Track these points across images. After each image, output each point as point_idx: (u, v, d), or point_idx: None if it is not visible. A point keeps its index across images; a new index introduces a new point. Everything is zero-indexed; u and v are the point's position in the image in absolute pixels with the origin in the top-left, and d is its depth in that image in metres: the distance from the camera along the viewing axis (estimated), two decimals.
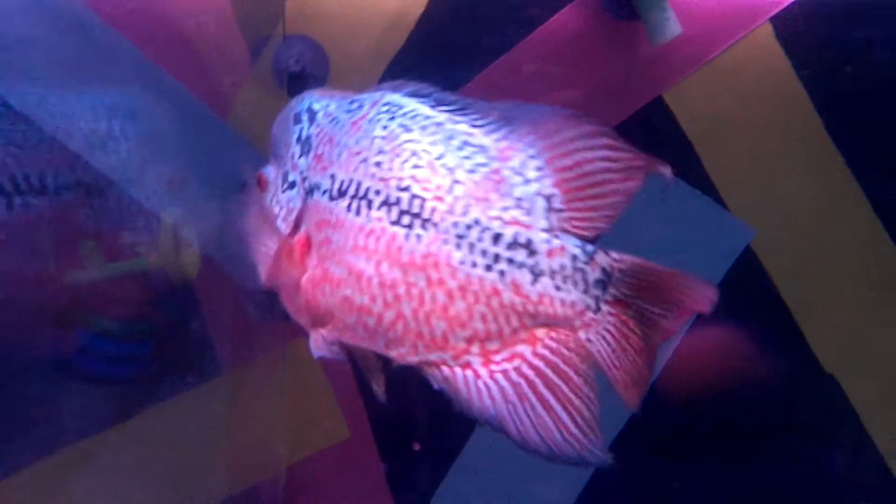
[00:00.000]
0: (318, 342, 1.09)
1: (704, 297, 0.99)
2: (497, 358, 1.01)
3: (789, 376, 1.81)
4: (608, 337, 1.00)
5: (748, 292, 1.79)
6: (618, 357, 1.00)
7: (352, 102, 1.09)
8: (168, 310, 1.77)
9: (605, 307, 1.00)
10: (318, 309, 1.07)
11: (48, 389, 1.65)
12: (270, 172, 1.15)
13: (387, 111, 1.05)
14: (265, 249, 1.12)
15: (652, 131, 1.77)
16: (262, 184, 1.15)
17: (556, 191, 1.00)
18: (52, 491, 1.68)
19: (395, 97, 1.06)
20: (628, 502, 1.87)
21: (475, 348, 1.00)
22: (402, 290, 1.01)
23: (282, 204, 1.12)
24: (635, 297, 1.00)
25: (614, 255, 1.00)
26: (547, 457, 0.98)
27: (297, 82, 1.73)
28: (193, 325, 1.86)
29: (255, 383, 1.91)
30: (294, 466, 1.89)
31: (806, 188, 1.76)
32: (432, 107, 1.04)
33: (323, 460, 1.90)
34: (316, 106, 1.11)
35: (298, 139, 1.11)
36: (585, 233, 1.00)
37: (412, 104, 1.05)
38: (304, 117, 1.12)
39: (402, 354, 1.02)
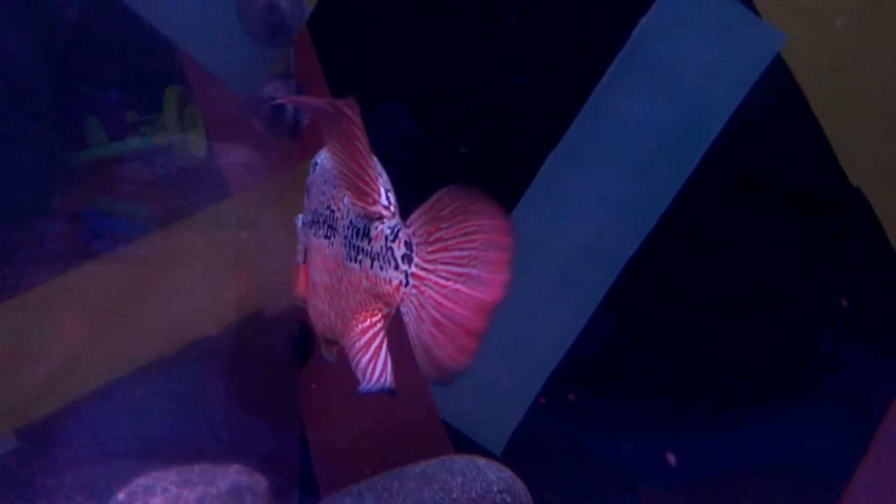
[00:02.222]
0: (323, 348, 1.29)
1: (493, 224, 1.03)
2: (369, 331, 1.11)
3: (814, 189, 1.78)
4: (413, 308, 1.08)
5: (777, 102, 1.72)
6: (417, 328, 1.07)
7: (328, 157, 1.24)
8: None
9: (412, 280, 1.08)
10: (311, 313, 1.26)
11: None
12: (299, 218, 1.33)
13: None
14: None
15: None
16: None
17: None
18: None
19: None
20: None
21: (359, 324, 1.11)
22: (334, 292, 1.19)
23: (300, 240, 1.31)
24: (434, 256, 1.07)
25: (411, 221, 1.08)
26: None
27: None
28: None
29: (265, 205, 1.88)
30: None
31: None
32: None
33: None
34: (316, 159, 1.28)
35: (307, 186, 1.29)
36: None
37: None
38: (310, 170, 1.28)
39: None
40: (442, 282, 1.05)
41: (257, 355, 1.94)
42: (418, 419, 1.96)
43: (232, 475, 1.67)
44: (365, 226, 1.11)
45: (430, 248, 1.06)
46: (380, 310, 1.10)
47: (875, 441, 1.80)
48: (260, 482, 1.68)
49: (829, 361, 1.84)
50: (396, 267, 1.08)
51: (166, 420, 1.90)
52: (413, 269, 1.07)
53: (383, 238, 1.09)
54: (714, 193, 1.83)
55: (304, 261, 1.29)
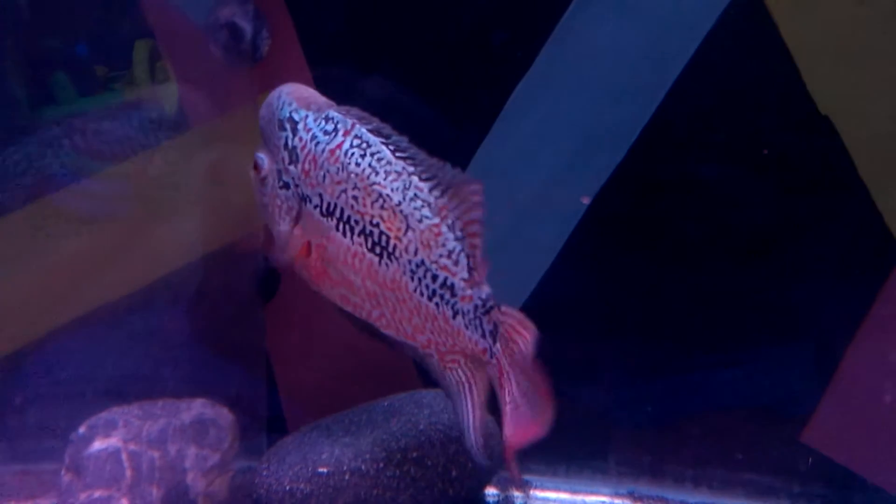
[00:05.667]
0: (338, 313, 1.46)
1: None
2: (447, 357, 1.36)
3: (784, 118, 1.76)
4: (496, 380, 1.34)
5: (747, 28, 1.70)
6: (504, 400, 1.34)
7: (326, 122, 1.34)
8: None
9: (493, 359, 1.33)
10: (320, 289, 1.41)
11: None
12: (265, 161, 1.39)
13: (358, 146, 1.32)
14: (276, 228, 1.41)
15: None
16: (257, 168, 1.40)
17: (472, 251, 1.31)
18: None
19: (364, 132, 1.33)
20: None
21: (433, 345, 1.36)
22: (381, 299, 1.35)
23: (281, 199, 1.38)
24: (516, 354, 1.32)
25: (504, 310, 1.32)
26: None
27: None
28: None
29: (227, 136, 1.84)
30: None
31: None
32: (392, 151, 1.32)
33: None
34: (296, 117, 1.35)
35: (286, 146, 1.36)
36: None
37: (377, 144, 1.32)
38: (287, 126, 1.36)
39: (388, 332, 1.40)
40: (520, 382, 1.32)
41: (221, 292, 1.91)
42: (387, 357, 1.95)
43: (196, 408, 1.65)
44: (446, 278, 1.30)
45: (508, 351, 1.31)
46: (465, 357, 1.35)
47: (836, 374, 1.82)
48: (225, 415, 1.66)
49: (798, 296, 1.84)
50: (483, 335, 1.32)
51: (129, 360, 1.88)
52: (496, 350, 1.32)
53: (472, 306, 1.31)
54: (683, 122, 1.81)
55: (294, 226, 1.38)
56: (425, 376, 1.93)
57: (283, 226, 1.38)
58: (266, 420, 1.97)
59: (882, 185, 1.75)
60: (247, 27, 1.75)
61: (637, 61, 1.77)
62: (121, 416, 1.60)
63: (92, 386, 1.84)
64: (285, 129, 1.35)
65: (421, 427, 1.67)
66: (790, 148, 1.78)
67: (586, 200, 1.82)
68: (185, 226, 1.88)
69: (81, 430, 1.60)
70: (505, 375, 1.32)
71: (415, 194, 1.30)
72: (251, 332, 1.94)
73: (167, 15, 1.77)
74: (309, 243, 1.37)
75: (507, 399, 1.32)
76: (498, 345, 1.31)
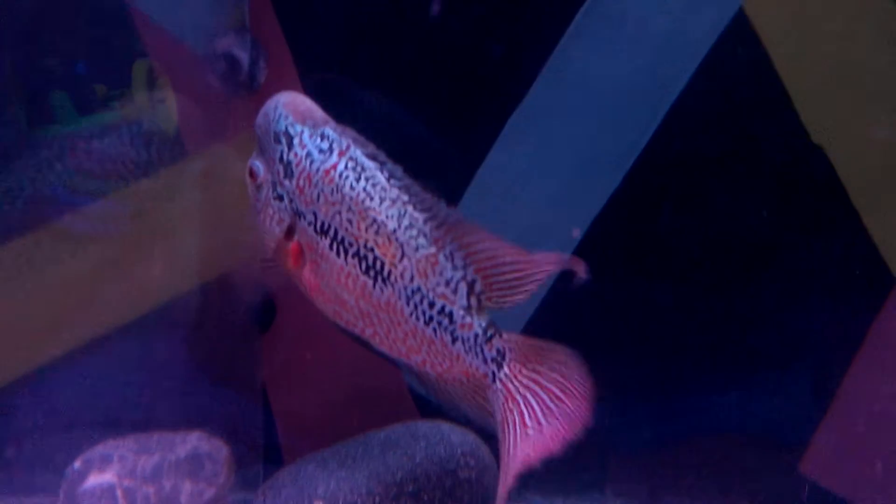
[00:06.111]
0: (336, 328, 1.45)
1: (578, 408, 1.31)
2: (445, 375, 1.36)
3: (777, 147, 1.77)
4: (498, 404, 1.32)
5: (740, 58, 1.72)
6: (503, 427, 1.31)
7: (322, 139, 1.34)
8: None
9: (499, 384, 1.31)
10: (314, 301, 1.41)
11: None
12: (260, 168, 1.39)
13: (353, 168, 1.32)
14: (267, 237, 1.41)
15: None
16: (253, 176, 1.40)
17: (477, 277, 1.30)
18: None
19: (359, 155, 1.33)
20: None
21: (429, 365, 1.35)
22: (374, 319, 1.35)
23: (274, 209, 1.38)
24: (528, 380, 1.30)
25: (506, 336, 1.31)
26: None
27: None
28: None
29: (225, 165, 1.85)
30: None
31: None
32: (387, 178, 1.32)
33: None
34: (291, 132, 1.35)
35: (281, 159, 1.35)
36: (504, 306, 1.32)
37: (371, 169, 1.32)
38: (283, 140, 1.35)
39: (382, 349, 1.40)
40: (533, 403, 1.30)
41: (218, 322, 1.91)
42: (384, 386, 1.95)
43: (191, 442, 1.64)
44: (444, 305, 1.30)
45: (524, 370, 1.30)
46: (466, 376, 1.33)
47: (833, 404, 1.82)
48: (220, 449, 1.65)
49: (793, 323, 1.84)
50: (485, 361, 1.31)
51: (126, 389, 1.87)
52: (503, 374, 1.30)
53: (473, 335, 1.30)
54: (677, 150, 1.82)
55: (287, 237, 1.37)
56: (422, 406, 1.94)
57: (276, 235, 1.38)
58: (262, 450, 1.96)
59: (875, 214, 1.76)
60: (244, 57, 1.76)
61: (631, 90, 1.79)
62: (116, 451, 1.59)
63: (89, 416, 1.83)
64: (280, 143, 1.34)
65: (417, 460, 1.66)
66: (783, 176, 1.79)
67: (577, 234, 1.83)
68: (182, 255, 1.88)
69: (77, 464, 1.59)
70: (511, 399, 1.30)
71: (410, 223, 1.30)
72: (248, 361, 1.94)
73: (165, 44, 1.78)
74: (301, 252, 1.36)
75: (511, 423, 1.30)
76: (506, 369, 1.30)
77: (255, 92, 1.82)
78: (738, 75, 1.76)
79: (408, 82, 1.87)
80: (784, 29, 1.70)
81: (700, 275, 1.85)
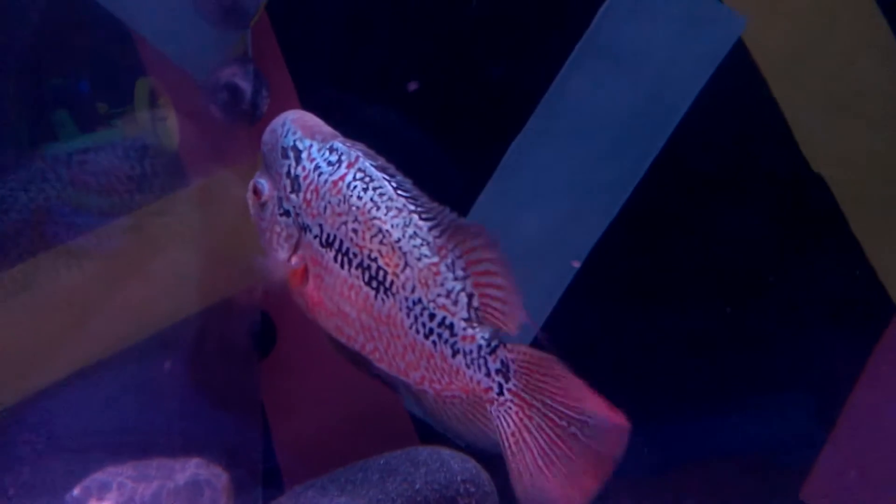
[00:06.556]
0: (330, 344, 1.43)
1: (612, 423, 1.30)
2: (443, 393, 1.33)
3: (776, 175, 1.78)
4: (507, 420, 1.28)
5: (738, 87, 1.72)
6: (512, 442, 1.27)
7: (331, 152, 1.34)
8: None
9: (507, 395, 1.28)
10: (316, 318, 1.40)
11: None
12: (265, 186, 1.39)
13: (361, 179, 1.31)
14: (273, 255, 1.41)
15: None
16: (257, 193, 1.40)
17: (475, 291, 1.29)
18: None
19: (367, 166, 1.32)
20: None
21: (426, 382, 1.33)
22: (375, 333, 1.34)
23: (280, 226, 1.38)
24: (538, 393, 1.27)
25: (510, 347, 1.28)
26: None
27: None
28: None
29: (224, 193, 1.86)
30: None
31: None
32: (394, 188, 1.31)
33: None
34: (300, 146, 1.35)
35: (288, 174, 1.35)
36: (501, 325, 1.29)
37: (379, 179, 1.31)
38: (291, 154, 1.35)
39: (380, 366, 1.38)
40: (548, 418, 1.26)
41: (218, 347, 1.91)
42: (384, 411, 1.94)
43: (190, 469, 1.64)
44: (444, 317, 1.28)
45: (530, 381, 1.28)
46: (465, 394, 1.31)
47: (836, 427, 1.81)
48: (220, 476, 1.65)
49: (793, 349, 1.84)
50: (488, 374, 1.28)
51: (125, 413, 1.87)
52: (510, 386, 1.27)
53: (476, 346, 1.28)
54: (677, 179, 1.83)
55: (292, 254, 1.37)
56: (422, 430, 1.94)
57: (281, 253, 1.37)
58: (262, 475, 1.96)
59: (875, 242, 1.76)
60: (247, 87, 1.77)
61: (630, 120, 1.80)
62: (115, 478, 1.59)
63: (88, 441, 1.83)
64: (288, 158, 1.34)
65: (417, 486, 1.66)
66: (783, 205, 1.80)
67: (577, 264, 1.83)
68: (181, 280, 1.88)
69: (76, 491, 1.59)
70: (522, 412, 1.27)
71: (414, 232, 1.28)
72: (247, 386, 1.94)
73: (168, 73, 1.79)
74: (306, 271, 1.36)
75: (523, 443, 1.26)
76: (513, 381, 1.28)
77: (257, 121, 1.83)
78: (736, 105, 1.77)
79: (409, 113, 1.88)
80: (782, 58, 1.71)
81: (699, 301, 1.86)
